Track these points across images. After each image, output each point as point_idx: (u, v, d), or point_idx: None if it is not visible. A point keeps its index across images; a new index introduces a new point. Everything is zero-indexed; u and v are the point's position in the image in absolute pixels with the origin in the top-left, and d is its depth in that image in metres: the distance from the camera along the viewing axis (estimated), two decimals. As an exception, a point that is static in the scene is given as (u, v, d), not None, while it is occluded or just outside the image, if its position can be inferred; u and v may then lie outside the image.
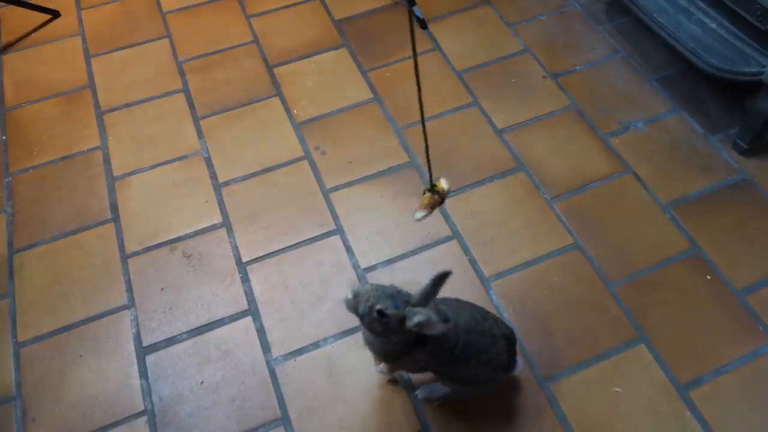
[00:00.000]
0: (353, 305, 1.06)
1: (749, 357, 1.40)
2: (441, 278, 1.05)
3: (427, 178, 1.18)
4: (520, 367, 1.30)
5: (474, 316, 1.17)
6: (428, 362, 1.16)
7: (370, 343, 1.17)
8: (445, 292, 1.22)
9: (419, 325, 1.01)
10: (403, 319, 1.03)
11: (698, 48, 1.67)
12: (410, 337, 1.08)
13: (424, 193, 1.15)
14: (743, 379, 1.36)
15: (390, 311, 1.02)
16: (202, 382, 1.40)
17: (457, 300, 1.21)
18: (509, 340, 1.24)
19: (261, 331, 1.46)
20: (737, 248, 1.57)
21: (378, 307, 1.02)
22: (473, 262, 1.56)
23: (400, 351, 1.12)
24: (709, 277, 1.52)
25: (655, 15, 1.77)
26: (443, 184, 1.15)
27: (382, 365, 1.34)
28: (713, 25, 1.71)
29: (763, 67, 1.57)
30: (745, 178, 1.70)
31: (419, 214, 1.13)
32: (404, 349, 1.12)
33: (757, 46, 1.61)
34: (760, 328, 1.44)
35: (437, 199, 1.14)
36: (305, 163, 1.78)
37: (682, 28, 1.73)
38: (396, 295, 1.04)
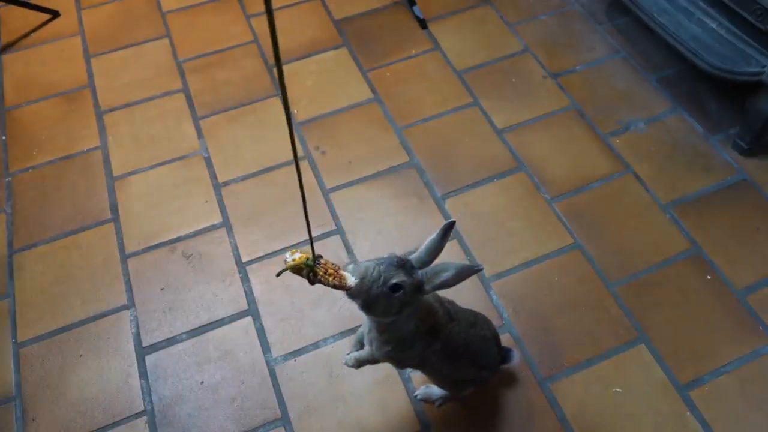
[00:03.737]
0: (362, 289, 0.93)
1: (749, 357, 1.39)
2: (448, 229, 0.98)
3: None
4: (518, 358, 1.29)
5: (468, 319, 1.17)
6: (429, 357, 1.11)
7: (381, 340, 1.06)
8: (444, 292, 1.21)
9: (449, 280, 0.94)
10: (419, 287, 0.95)
11: (698, 48, 1.67)
12: (419, 310, 1.02)
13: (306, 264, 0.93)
14: (743, 379, 1.36)
15: (405, 281, 0.93)
16: (201, 382, 1.39)
17: (451, 302, 1.20)
18: (498, 339, 1.25)
19: (261, 332, 1.46)
20: (737, 248, 1.57)
21: (393, 281, 0.92)
22: (473, 262, 1.56)
23: (414, 339, 1.04)
24: (709, 277, 1.52)
25: (655, 15, 1.77)
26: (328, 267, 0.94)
27: (350, 356, 1.20)
28: (713, 25, 1.71)
29: (763, 67, 1.57)
30: (745, 178, 1.70)
31: (351, 280, 0.94)
32: (419, 339, 1.05)
33: (757, 46, 1.61)
34: (760, 327, 1.44)
35: (305, 268, 0.93)
36: (305, 163, 1.78)
37: (682, 28, 1.73)
38: (403, 262, 0.94)
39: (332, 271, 0.94)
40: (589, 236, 1.60)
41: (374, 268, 0.93)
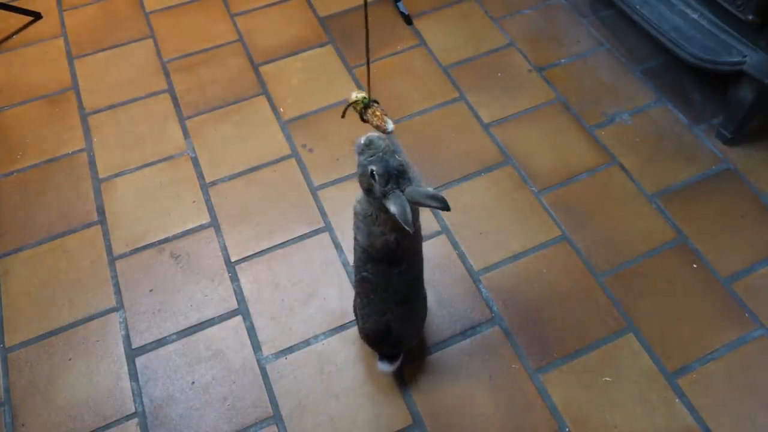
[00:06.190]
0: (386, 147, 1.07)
1: (736, 343, 1.41)
2: None
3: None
4: None
5: None
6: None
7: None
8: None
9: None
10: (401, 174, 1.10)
11: (680, 39, 1.69)
12: None
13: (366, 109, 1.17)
14: (730, 366, 1.38)
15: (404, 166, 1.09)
16: (192, 383, 1.39)
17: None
18: None
19: (251, 330, 1.46)
20: (723, 236, 1.59)
21: (400, 158, 1.08)
22: (462, 256, 1.57)
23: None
24: (695, 266, 1.54)
25: (637, 6, 1.79)
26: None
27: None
28: (695, 16, 1.72)
29: (744, 56, 1.59)
30: (729, 167, 1.72)
31: (391, 126, 1.16)
32: None
33: (738, 36, 1.62)
34: (746, 314, 1.45)
35: (361, 105, 1.17)
36: (293, 161, 1.77)
37: (664, 19, 1.75)
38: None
39: (379, 113, 1.16)
40: (577, 228, 1.61)
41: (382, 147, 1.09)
